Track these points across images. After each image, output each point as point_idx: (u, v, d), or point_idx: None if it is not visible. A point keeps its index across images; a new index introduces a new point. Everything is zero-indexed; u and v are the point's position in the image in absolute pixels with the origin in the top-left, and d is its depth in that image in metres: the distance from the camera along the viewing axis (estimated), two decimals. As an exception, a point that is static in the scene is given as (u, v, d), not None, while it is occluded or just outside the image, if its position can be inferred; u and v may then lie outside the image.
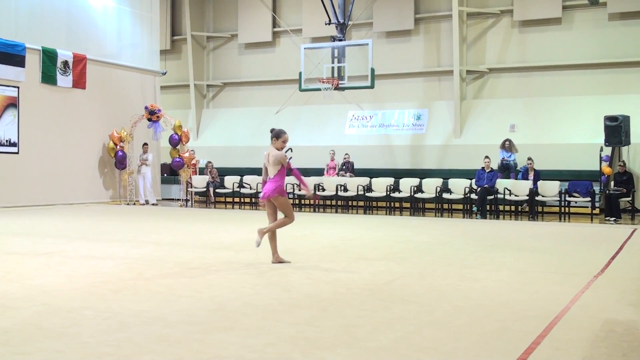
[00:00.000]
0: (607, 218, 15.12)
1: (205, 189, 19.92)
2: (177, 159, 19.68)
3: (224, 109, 24.42)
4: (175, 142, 19.73)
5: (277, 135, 7.80)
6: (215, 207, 19.12)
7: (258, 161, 21.74)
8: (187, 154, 19.81)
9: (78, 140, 19.01)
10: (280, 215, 8.03)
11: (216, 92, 24.88)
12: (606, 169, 16.48)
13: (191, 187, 20.01)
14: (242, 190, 19.45)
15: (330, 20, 19.34)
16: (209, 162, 20.58)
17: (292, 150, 20.43)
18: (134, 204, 19.42)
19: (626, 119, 16.29)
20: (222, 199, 20.38)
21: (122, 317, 5.11)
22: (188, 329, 4.78)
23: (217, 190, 19.84)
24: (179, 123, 19.86)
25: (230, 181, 19.71)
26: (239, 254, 8.84)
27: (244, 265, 7.81)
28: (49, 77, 18.09)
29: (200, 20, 24.66)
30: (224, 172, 20.77)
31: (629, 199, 15.88)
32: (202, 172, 20.86)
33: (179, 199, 20.55)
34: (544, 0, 19.32)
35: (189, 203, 19.89)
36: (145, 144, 19.78)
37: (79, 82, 18.90)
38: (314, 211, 17.98)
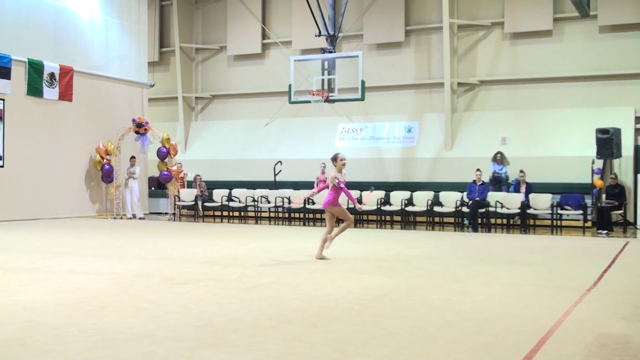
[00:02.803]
0: (599, 231, 15.18)
1: (193, 203, 19.86)
2: (165, 172, 19.63)
3: (212, 122, 24.40)
4: (163, 155, 19.69)
5: (334, 158, 9.95)
6: (203, 221, 19.06)
7: (247, 174, 22.00)
8: (175, 167, 19.77)
9: (64, 154, 18.94)
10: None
11: (205, 105, 24.88)
12: (598, 182, 16.56)
13: (179, 201, 19.95)
14: (231, 204, 19.41)
15: (320, 32, 19.39)
16: (197, 175, 20.55)
17: (281, 163, 20.46)
18: (121, 218, 19.33)
19: (617, 132, 16.40)
20: (211, 213, 20.33)
21: (108, 334, 5.08)
22: (175, 346, 4.75)
23: (206, 204, 19.80)
24: (167, 136, 19.83)
25: (219, 195, 19.68)
26: (227, 268, 8.80)
27: (231, 280, 7.78)
28: (35, 89, 18.04)
29: (189, 32, 24.69)
30: (212, 185, 20.74)
31: (621, 211, 15.97)
32: (190, 185, 20.81)
33: (166, 213, 20.48)
34: (535, 12, 19.48)
35: (177, 217, 19.82)
36: (133, 157, 19.73)
37: (66, 95, 18.86)
38: (304, 225, 17.96)
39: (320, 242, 9.93)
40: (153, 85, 22.14)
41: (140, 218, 19.42)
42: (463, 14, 20.51)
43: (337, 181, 9.77)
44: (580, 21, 18.87)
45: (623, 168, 17.39)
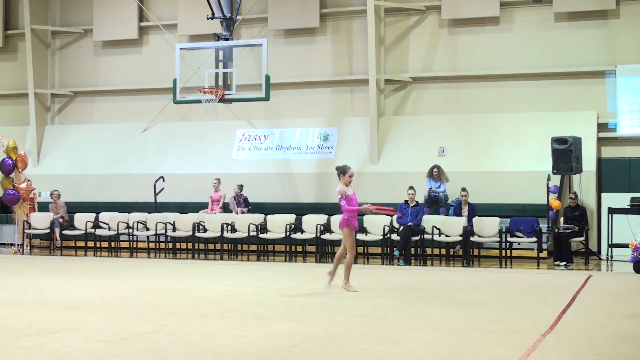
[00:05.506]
0: (557, 262, 15.65)
1: (48, 230, 19.43)
2: (11, 191, 19.24)
3: (74, 126, 23.93)
4: (8, 169, 19.28)
5: (343, 171, 11.06)
6: (62, 254, 18.66)
7: (119, 194, 21.65)
8: (24, 185, 19.33)
9: None
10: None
11: (64, 104, 24.39)
12: (554, 203, 17.07)
13: (29, 228, 19.49)
14: (98, 232, 19.06)
15: (213, 13, 19.35)
16: (55, 190, 20.09)
17: (163, 180, 20.23)
18: (-49, 251, 18.77)
19: (577, 141, 16.95)
20: (72, 244, 19.89)
21: None
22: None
23: (65, 232, 19.39)
24: (13, 144, 19.45)
25: (82, 220, 19.27)
26: (92, 315, 8.64)
27: (99, 331, 7.64)
28: None
29: (44, 11, 24.17)
30: (73, 207, 20.32)
31: (582, 239, 16.45)
32: (44, 208, 20.34)
33: (12, 244, 19.94)
34: (478, -5, 19.99)
35: (27, 249, 19.34)
36: (-33, 171, 19.22)
37: None
38: (192, 258, 17.79)
39: (345, 269, 10.92)
40: (-5, 78, 21.61)
41: (-23, 251, 18.91)
42: (391, -5, 20.86)
43: (339, 196, 10.88)
44: (532, 7, 19.44)
45: (584, 185, 17.99)
